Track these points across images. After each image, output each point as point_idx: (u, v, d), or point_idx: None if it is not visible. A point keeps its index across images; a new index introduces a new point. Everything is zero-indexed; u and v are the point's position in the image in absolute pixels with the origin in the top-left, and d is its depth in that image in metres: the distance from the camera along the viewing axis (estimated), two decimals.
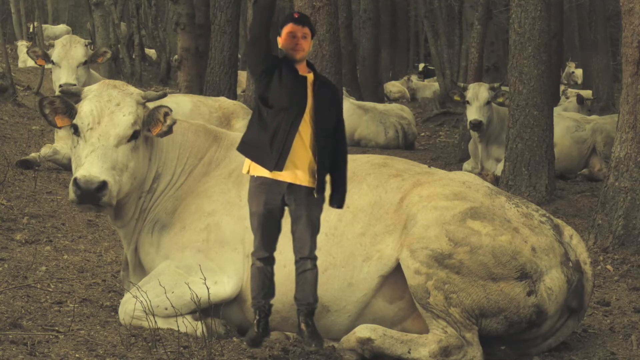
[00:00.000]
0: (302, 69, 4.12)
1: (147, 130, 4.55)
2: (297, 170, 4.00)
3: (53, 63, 8.37)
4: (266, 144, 3.97)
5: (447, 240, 4.24)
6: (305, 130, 4.03)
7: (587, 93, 16.40)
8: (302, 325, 3.99)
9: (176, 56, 16.32)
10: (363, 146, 13.10)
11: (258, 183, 4.02)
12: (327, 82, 4.28)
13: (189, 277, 4.42)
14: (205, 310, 4.36)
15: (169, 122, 4.51)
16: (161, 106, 4.57)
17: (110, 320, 4.57)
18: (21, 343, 4.04)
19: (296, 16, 4.15)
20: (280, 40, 4.14)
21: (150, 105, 4.61)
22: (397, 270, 4.33)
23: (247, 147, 4.08)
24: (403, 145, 13.42)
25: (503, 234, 4.28)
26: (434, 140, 15.35)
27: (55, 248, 6.05)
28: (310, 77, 4.12)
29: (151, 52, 25.52)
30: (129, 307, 4.43)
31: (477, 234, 4.26)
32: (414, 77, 25.32)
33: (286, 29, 4.10)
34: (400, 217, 4.40)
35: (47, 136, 10.23)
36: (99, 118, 4.42)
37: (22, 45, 20.71)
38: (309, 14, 8.34)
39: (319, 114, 4.06)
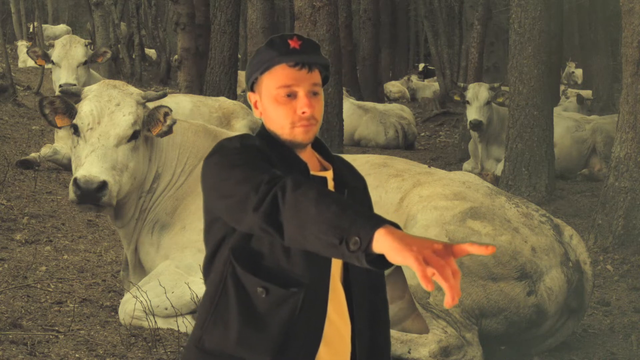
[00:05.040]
0: (309, 160, 2.21)
1: (147, 130, 4.55)
2: None
3: (53, 63, 8.37)
4: (265, 354, 2.08)
5: (447, 240, 4.24)
6: (335, 300, 2.17)
7: (587, 93, 16.39)
8: None
9: (176, 56, 16.32)
10: (363, 146, 13.10)
11: None
12: (353, 174, 2.36)
13: (189, 277, 4.42)
14: None
15: (169, 122, 4.51)
16: (161, 106, 4.57)
17: (110, 320, 4.57)
18: (21, 343, 4.04)
19: (296, 46, 2.14)
20: (260, 104, 2.20)
21: (150, 105, 4.61)
22: (397, 270, 4.33)
23: None
24: (403, 145, 13.42)
25: (503, 234, 4.29)
26: (434, 140, 15.35)
27: (55, 248, 6.05)
28: (329, 175, 2.23)
29: (151, 52, 25.50)
30: (129, 307, 4.44)
31: (477, 234, 4.26)
32: (414, 77, 25.32)
33: (275, 79, 2.15)
34: (400, 217, 4.40)
35: (47, 136, 10.23)
36: (99, 118, 4.42)
37: (22, 45, 20.70)
38: (309, 14, 8.26)
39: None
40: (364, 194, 2.33)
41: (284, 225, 1.86)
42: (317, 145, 2.27)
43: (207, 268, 2.17)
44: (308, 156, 2.22)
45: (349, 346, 2.19)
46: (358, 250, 1.76)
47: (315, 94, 2.15)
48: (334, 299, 2.15)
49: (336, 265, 2.16)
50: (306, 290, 2.07)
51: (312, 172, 2.17)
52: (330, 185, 2.21)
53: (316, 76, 2.16)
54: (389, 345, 2.34)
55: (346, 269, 2.18)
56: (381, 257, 1.78)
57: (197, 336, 2.14)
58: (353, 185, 2.27)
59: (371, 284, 2.27)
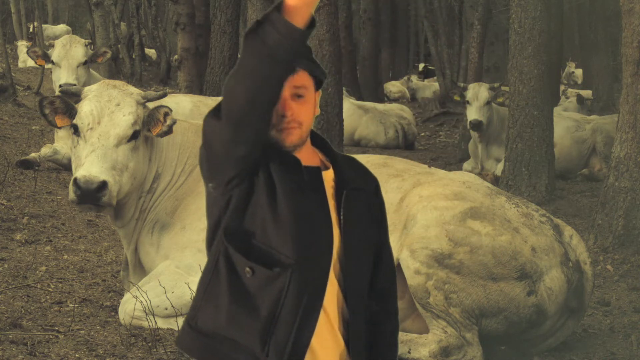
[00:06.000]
0: (306, 156, 2.22)
1: (147, 130, 4.55)
2: None
3: (53, 63, 8.37)
4: (253, 337, 2.08)
5: (447, 240, 4.24)
6: (329, 295, 2.16)
7: (587, 93, 16.38)
8: None
9: (176, 56, 16.32)
10: (363, 146, 13.10)
11: None
12: (362, 176, 2.35)
13: (189, 277, 4.41)
14: None
15: (169, 122, 4.51)
16: (161, 106, 4.57)
17: (110, 320, 4.57)
18: (21, 343, 4.04)
19: None
20: None
21: (150, 105, 4.61)
22: (397, 271, 4.32)
23: (206, 348, 2.12)
24: (403, 145, 13.42)
25: (503, 234, 4.28)
26: (434, 140, 15.34)
27: (55, 248, 6.05)
28: (329, 174, 2.24)
29: (151, 52, 25.49)
30: (129, 307, 4.43)
31: (477, 234, 4.26)
32: (414, 77, 25.32)
33: None
34: (400, 217, 4.40)
35: (47, 136, 10.23)
36: (99, 118, 4.42)
37: (22, 45, 20.69)
38: None
39: (354, 251, 2.20)
40: (371, 196, 2.32)
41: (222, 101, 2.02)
42: (321, 144, 2.29)
43: (207, 251, 2.21)
44: (307, 154, 2.23)
45: (341, 338, 2.19)
46: (277, 8, 1.90)
47: (299, 96, 2.15)
48: (332, 302, 2.16)
49: (334, 270, 2.16)
50: (294, 273, 2.07)
51: (305, 164, 2.17)
52: (329, 184, 2.21)
53: (301, 78, 2.16)
54: (391, 353, 2.35)
55: (346, 275, 2.18)
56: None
57: (190, 316, 2.17)
58: (356, 187, 2.26)
59: (379, 291, 2.30)
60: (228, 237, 2.11)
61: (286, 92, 2.14)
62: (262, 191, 2.09)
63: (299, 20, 1.91)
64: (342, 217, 2.18)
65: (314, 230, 2.11)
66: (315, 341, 2.12)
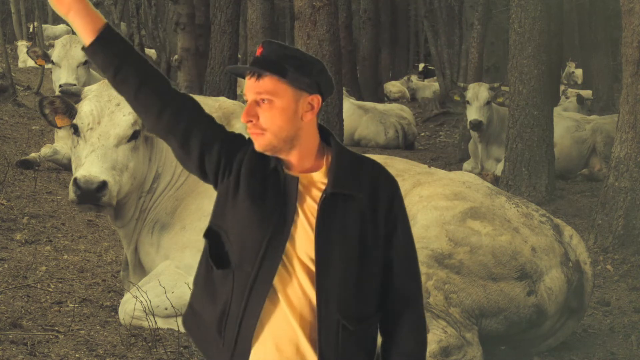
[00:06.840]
0: (298, 159, 2.26)
1: (147, 130, 4.54)
2: None
3: (53, 63, 8.37)
4: (213, 326, 2.26)
5: (447, 240, 4.24)
6: (301, 300, 2.21)
7: (587, 93, 16.36)
8: None
9: (176, 56, 16.30)
10: (363, 146, 13.10)
11: None
12: (365, 178, 2.28)
13: (189, 277, 4.41)
14: None
15: None
16: None
17: (110, 320, 4.57)
18: (21, 343, 4.04)
19: (257, 53, 2.21)
20: None
21: None
22: None
23: (193, 323, 2.36)
24: (403, 145, 13.42)
25: (503, 234, 4.28)
26: (434, 140, 15.34)
27: (55, 248, 6.05)
28: (314, 176, 2.26)
29: (151, 52, 25.47)
30: (129, 307, 4.43)
31: (477, 234, 4.26)
32: (414, 77, 25.31)
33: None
34: None
35: (47, 136, 10.23)
36: (99, 118, 4.42)
37: (22, 45, 20.69)
38: (309, 14, 8.25)
39: (329, 259, 2.19)
40: (373, 204, 2.25)
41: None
42: (327, 141, 2.33)
43: None
44: (300, 156, 2.25)
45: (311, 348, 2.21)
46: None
47: (263, 101, 2.18)
48: (304, 307, 2.19)
49: (309, 276, 2.19)
50: (236, 274, 2.21)
51: (290, 172, 2.23)
52: (317, 187, 2.23)
53: (265, 84, 2.18)
54: None
55: (318, 283, 2.19)
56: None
57: (190, 297, 2.39)
58: (339, 192, 2.21)
59: (392, 312, 2.29)
60: (207, 234, 2.31)
61: (250, 98, 2.22)
62: (232, 191, 2.24)
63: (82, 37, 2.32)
64: (315, 223, 2.19)
65: (260, 236, 2.19)
66: (272, 343, 2.20)
